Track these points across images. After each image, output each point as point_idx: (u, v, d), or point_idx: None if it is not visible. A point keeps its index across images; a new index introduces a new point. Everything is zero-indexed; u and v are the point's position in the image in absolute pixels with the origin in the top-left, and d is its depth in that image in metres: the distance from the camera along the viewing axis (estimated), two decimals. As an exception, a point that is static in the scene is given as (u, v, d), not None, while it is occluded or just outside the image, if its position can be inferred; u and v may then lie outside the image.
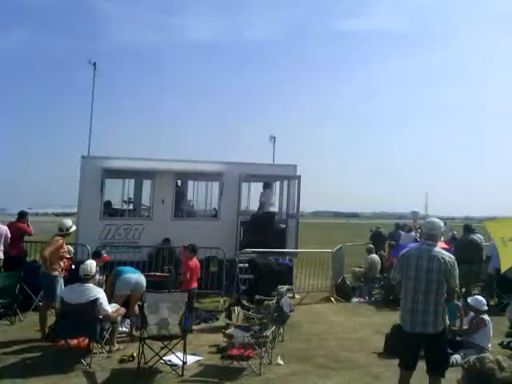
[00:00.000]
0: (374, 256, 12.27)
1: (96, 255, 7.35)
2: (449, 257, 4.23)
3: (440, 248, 4.41)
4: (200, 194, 13.20)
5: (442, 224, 4.58)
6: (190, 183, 13.06)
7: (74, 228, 7.60)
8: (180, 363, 5.59)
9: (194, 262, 7.95)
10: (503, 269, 3.14)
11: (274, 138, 17.24)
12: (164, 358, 5.68)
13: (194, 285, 7.90)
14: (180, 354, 5.65)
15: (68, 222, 7.46)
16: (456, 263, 4.25)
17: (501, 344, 6.85)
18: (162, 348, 5.70)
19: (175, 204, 11.27)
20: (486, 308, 6.70)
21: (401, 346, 4.59)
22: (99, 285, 7.03)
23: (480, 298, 6.91)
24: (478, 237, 10.53)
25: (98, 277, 7.09)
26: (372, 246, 13.06)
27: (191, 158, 12.18)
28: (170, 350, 5.70)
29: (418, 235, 12.42)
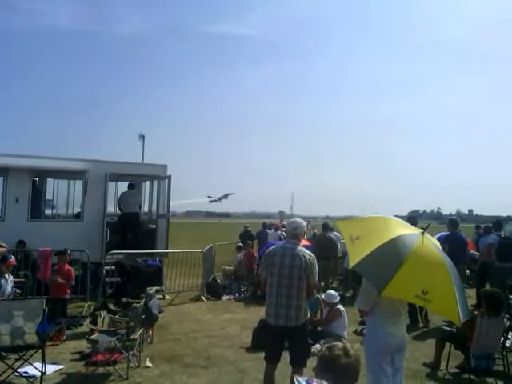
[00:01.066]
0: (243, 254, 12.64)
1: (2, 260, 6.79)
2: (309, 255, 4.48)
3: (302, 246, 4.67)
4: (61, 194, 12.29)
5: (304, 224, 4.84)
6: (50, 181, 12.08)
7: None
8: (38, 374, 5.14)
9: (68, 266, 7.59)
10: (351, 265, 3.44)
11: (143, 136, 16.82)
12: (19, 370, 5.18)
13: (68, 291, 7.52)
14: (38, 365, 5.20)
15: None
16: (316, 261, 4.51)
17: (355, 331, 7.53)
18: (16, 360, 5.19)
19: (32, 204, 10.34)
20: (336, 300, 7.25)
21: (266, 340, 4.78)
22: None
23: (331, 292, 7.49)
24: (334, 235, 11.48)
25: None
26: (241, 244, 13.44)
27: (51, 154, 11.28)
28: (26, 360, 5.22)
29: (283, 233, 13.14)
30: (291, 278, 4.38)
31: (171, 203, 11.92)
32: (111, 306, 7.46)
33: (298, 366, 4.44)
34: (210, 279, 11.56)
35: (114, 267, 9.40)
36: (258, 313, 8.43)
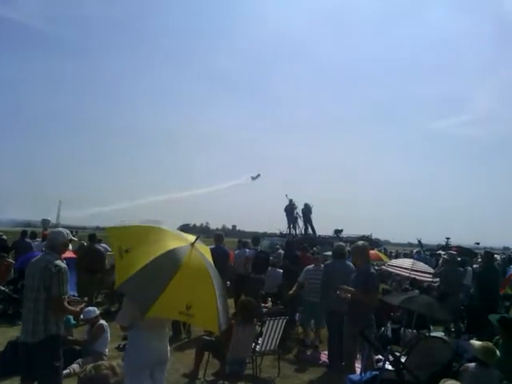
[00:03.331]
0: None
1: None
2: (54, 265, 4.13)
3: (58, 257, 4.30)
4: None
5: (64, 234, 4.47)
6: None
7: None
8: None
9: None
10: (117, 284, 3.23)
11: None
12: None
13: None
14: None
15: None
16: (62, 271, 4.15)
17: (117, 347, 7.24)
18: None
19: None
20: (94, 315, 6.75)
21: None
22: None
23: (88, 308, 6.93)
24: (102, 246, 11.03)
25: None
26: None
27: None
28: None
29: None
30: (32, 290, 4.11)
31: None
32: None
33: None
34: None
35: None
36: (5, 334, 7.42)
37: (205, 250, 3.82)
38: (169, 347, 3.98)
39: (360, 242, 6.61)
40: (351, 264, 7.34)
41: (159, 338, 3.78)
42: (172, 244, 3.47)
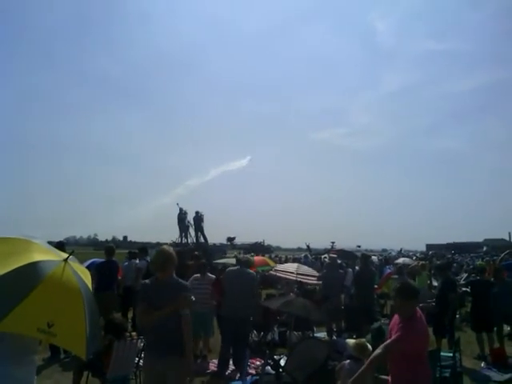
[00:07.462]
0: None
1: None
2: None
3: None
4: None
5: None
6: None
7: None
8: None
9: None
10: None
11: None
12: None
13: None
14: None
15: None
16: None
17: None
18: None
19: None
20: None
21: None
22: None
23: None
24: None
25: None
26: None
27: None
28: None
29: None
30: None
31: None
32: None
33: None
34: None
35: None
36: None
37: (81, 271, 3.52)
38: (35, 377, 3.50)
39: (168, 248, 4.43)
40: (253, 272, 7.50)
41: (19, 366, 3.27)
42: (38, 256, 3.14)
